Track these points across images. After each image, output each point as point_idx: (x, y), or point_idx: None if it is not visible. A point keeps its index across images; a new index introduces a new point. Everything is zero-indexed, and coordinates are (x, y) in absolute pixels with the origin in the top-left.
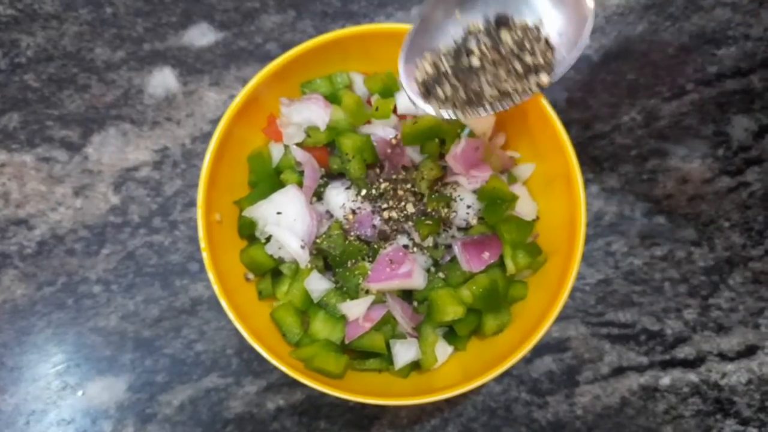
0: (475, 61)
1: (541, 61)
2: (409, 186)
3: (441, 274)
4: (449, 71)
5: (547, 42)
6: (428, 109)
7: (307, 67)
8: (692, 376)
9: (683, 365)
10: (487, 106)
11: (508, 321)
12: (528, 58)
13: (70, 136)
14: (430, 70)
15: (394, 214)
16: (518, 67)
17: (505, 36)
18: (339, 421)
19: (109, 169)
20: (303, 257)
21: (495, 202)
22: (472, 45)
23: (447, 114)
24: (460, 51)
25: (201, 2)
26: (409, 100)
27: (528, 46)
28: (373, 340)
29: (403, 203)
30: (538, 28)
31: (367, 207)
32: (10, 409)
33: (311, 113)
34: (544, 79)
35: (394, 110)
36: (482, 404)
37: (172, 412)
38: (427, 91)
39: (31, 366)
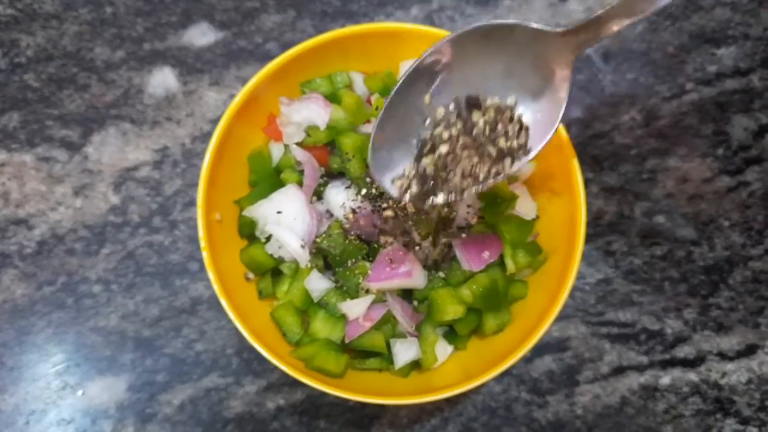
0: (444, 149)
1: (515, 144)
2: None
3: (441, 274)
4: (419, 190)
5: (520, 122)
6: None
7: (306, 67)
8: (692, 376)
9: (683, 365)
10: (462, 191)
11: (509, 320)
12: (501, 142)
13: (70, 136)
14: (400, 193)
15: (394, 213)
16: (492, 151)
17: (477, 117)
18: (339, 421)
19: (109, 168)
20: (303, 256)
21: (495, 202)
22: (442, 131)
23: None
24: (429, 142)
25: (201, 2)
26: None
27: (501, 128)
28: (373, 340)
29: (403, 202)
30: (511, 109)
31: (367, 206)
32: (10, 409)
33: (311, 112)
34: (518, 165)
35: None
36: (482, 404)
37: (172, 411)
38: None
39: (31, 366)
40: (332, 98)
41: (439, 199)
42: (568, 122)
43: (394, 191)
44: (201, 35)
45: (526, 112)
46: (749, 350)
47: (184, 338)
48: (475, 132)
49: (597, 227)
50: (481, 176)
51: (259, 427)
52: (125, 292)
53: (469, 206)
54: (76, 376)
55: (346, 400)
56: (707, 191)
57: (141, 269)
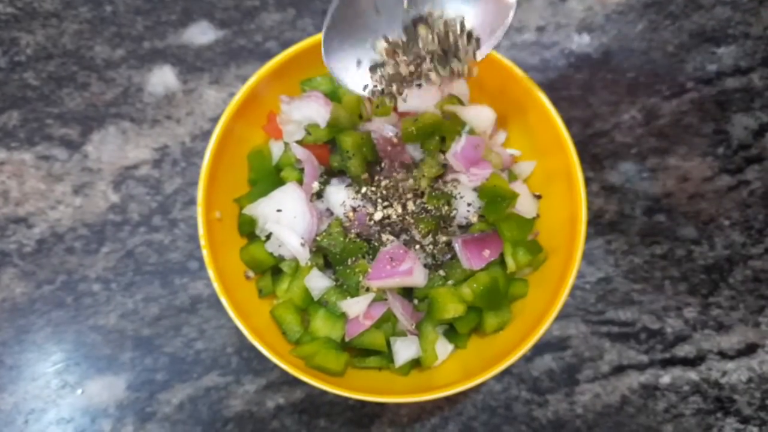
0: (383, 56)
1: (464, 56)
2: (409, 184)
3: (441, 272)
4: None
5: (470, 33)
6: (352, 87)
7: (306, 65)
8: (692, 375)
9: (683, 364)
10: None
11: (509, 319)
12: (451, 54)
13: (69, 135)
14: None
15: (394, 212)
16: (439, 68)
17: (424, 32)
18: (339, 420)
19: (109, 167)
20: (303, 255)
21: (495, 200)
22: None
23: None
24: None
25: (201, 0)
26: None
27: (452, 38)
28: (374, 338)
29: (403, 201)
30: (462, 21)
31: (368, 204)
32: (9, 408)
33: (311, 111)
34: (464, 66)
35: (395, 108)
36: (482, 403)
37: (171, 410)
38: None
39: (30, 364)
40: (332, 96)
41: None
42: (568, 120)
43: (346, 81)
44: (201, 34)
45: (477, 17)
46: (749, 349)
47: (183, 337)
48: (421, 44)
49: (597, 226)
50: (432, 77)
51: (259, 426)
52: (125, 291)
53: (469, 205)
54: (75, 374)
55: (346, 399)
56: (707, 190)
57: (141, 268)
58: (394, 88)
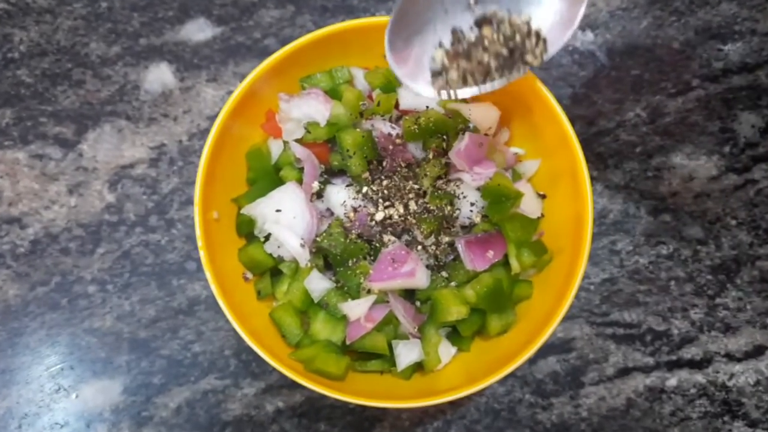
0: (445, 61)
1: (531, 57)
2: (411, 183)
3: (444, 274)
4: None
5: (538, 34)
6: (420, 91)
7: (306, 62)
8: (699, 377)
9: (690, 366)
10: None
11: (513, 321)
12: (517, 53)
13: (64, 133)
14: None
15: (395, 212)
16: (505, 70)
17: (488, 32)
18: (339, 424)
19: (105, 166)
20: (303, 256)
21: (499, 200)
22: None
23: (443, 95)
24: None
25: None
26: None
27: (519, 40)
28: (375, 341)
29: (405, 200)
30: (528, 23)
31: (369, 204)
32: (2, 413)
33: (311, 108)
34: (535, 62)
35: (396, 105)
36: (485, 406)
37: (168, 414)
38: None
39: (23, 368)
40: (332, 94)
41: (464, 93)
42: (572, 119)
43: (406, 79)
44: (198, 30)
45: (544, 17)
46: (757, 351)
47: (181, 339)
48: (486, 43)
49: (602, 226)
50: (496, 76)
51: (258, 430)
52: (121, 293)
53: (472, 204)
54: (70, 378)
55: (347, 403)
56: (714, 189)
57: (137, 269)
58: (462, 92)
